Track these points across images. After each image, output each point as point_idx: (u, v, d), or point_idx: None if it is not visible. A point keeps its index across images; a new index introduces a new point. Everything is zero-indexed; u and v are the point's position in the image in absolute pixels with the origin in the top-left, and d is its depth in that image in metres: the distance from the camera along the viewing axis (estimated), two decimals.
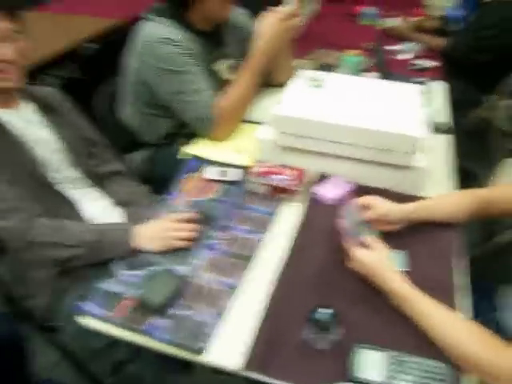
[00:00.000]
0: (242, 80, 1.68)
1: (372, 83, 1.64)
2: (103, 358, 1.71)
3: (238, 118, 1.72)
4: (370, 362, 0.95)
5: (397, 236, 1.24)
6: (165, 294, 1.08)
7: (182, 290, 1.11)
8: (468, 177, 2.74)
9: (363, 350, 0.97)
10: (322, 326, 0.98)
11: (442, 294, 1.05)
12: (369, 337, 1.00)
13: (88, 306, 1.08)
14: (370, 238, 1.13)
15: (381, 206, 1.23)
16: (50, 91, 1.49)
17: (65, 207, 1.36)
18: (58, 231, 1.22)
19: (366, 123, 1.36)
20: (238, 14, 1.85)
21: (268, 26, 1.68)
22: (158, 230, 1.25)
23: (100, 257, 1.23)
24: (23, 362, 1.39)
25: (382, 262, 1.09)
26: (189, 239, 1.25)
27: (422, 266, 1.17)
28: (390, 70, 2.09)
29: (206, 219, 1.32)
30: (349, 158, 1.42)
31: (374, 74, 2.09)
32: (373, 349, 0.97)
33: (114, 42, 2.41)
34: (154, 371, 1.40)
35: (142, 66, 1.61)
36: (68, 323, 1.10)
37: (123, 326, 1.04)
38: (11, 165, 1.26)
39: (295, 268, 1.18)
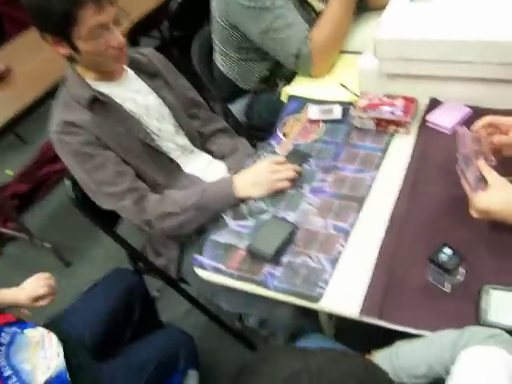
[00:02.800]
0: (333, 7, 1.53)
1: None
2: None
3: (335, 49, 1.59)
4: (503, 305, 0.86)
5: None
6: (277, 241, 1.06)
7: (293, 237, 1.09)
8: None
9: (495, 290, 0.88)
10: (446, 268, 0.89)
11: None
12: (495, 278, 0.90)
13: (204, 258, 1.10)
14: (489, 173, 0.94)
15: (507, 125, 1.03)
16: (148, 53, 1.46)
17: (174, 172, 1.39)
18: (164, 202, 1.25)
19: (486, 34, 1.17)
20: None
21: None
22: (258, 175, 1.23)
23: (209, 214, 1.24)
24: (151, 311, 1.49)
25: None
26: (290, 178, 1.21)
27: None
28: None
29: (302, 157, 1.27)
30: (465, 79, 1.26)
31: None
32: (506, 290, 0.87)
33: None
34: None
35: (228, 9, 1.54)
36: (194, 276, 1.13)
37: (238, 277, 1.05)
38: (125, 138, 1.29)
39: (410, 206, 1.10)
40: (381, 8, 1.45)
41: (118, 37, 1.21)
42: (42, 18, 1.16)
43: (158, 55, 1.49)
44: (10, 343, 1.08)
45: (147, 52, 1.47)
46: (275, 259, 1.04)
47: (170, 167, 1.39)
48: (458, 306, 0.89)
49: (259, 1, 1.47)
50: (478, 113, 1.24)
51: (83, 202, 1.35)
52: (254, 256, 1.06)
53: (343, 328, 1.36)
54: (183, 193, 1.27)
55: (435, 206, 1.08)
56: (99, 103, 1.27)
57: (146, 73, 1.41)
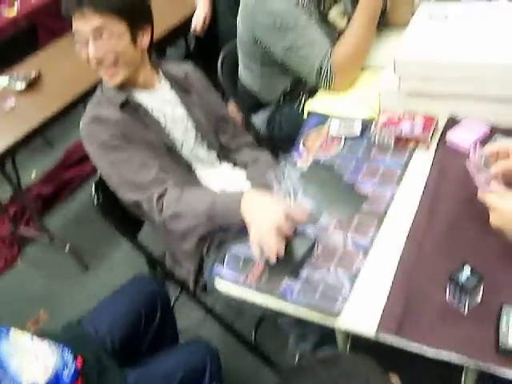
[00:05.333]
0: (355, 24, 1.56)
1: (506, 8, 1.42)
2: (247, 316, 1.81)
3: (357, 65, 1.61)
4: None
5: None
6: (298, 255, 1.08)
7: (313, 251, 1.10)
8: None
9: None
10: (466, 289, 0.89)
11: None
12: None
13: (224, 270, 1.12)
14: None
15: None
16: (184, 68, 1.53)
17: (192, 183, 1.41)
18: (179, 202, 1.25)
19: (503, 57, 1.19)
20: None
21: None
22: (268, 223, 1.08)
23: (216, 226, 1.22)
24: (170, 319, 1.51)
25: None
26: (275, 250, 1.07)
27: None
28: None
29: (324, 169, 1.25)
30: (483, 97, 1.27)
31: None
32: None
33: None
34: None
35: (254, 25, 1.57)
36: (212, 286, 1.15)
37: (258, 289, 1.06)
38: (151, 144, 1.34)
39: (429, 223, 1.10)
40: (401, 25, 1.48)
41: (92, 50, 1.21)
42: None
43: (195, 71, 1.55)
44: None
45: (186, 67, 1.53)
46: (294, 273, 1.06)
47: (189, 177, 1.43)
48: (477, 328, 0.89)
49: (283, 20, 1.50)
50: (495, 131, 1.27)
51: (106, 206, 1.39)
52: (274, 269, 1.08)
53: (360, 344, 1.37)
54: (198, 196, 1.26)
55: (453, 223, 1.09)
56: (130, 106, 1.32)
57: (181, 86, 1.46)
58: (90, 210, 1.41)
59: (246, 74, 1.80)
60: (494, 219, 0.95)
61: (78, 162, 3.06)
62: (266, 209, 1.12)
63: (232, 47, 1.83)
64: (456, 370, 1.03)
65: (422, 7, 1.48)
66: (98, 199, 1.38)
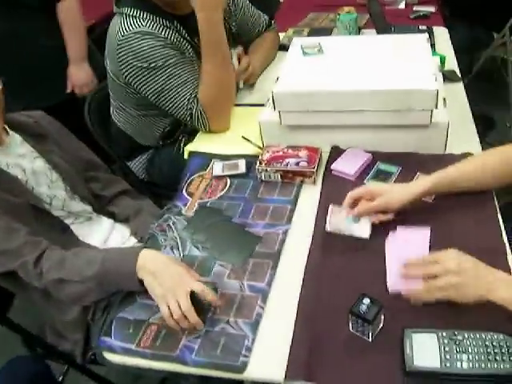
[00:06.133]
0: (205, 62, 1.49)
1: (373, 40, 1.53)
2: (146, 379, 1.65)
3: (226, 102, 1.56)
4: (426, 347, 0.85)
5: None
6: (205, 301, 0.98)
7: (218, 295, 1.01)
8: (485, 122, 2.62)
9: (415, 334, 0.86)
10: (367, 319, 0.87)
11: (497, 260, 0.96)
12: (413, 320, 0.90)
13: (111, 340, 0.99)
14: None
15: (379, 194, 1.09)
16: (35, 116, 1.36)
17: (69, 243, 1.25)
18: (62, 267, 1.10)
19: (377, 84, 1.24)
20: None
21: None
22: (169, 283, 1.01)
23: (107, 292, 1.10)
24: None
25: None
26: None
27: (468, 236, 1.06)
28: (388, 22, 1.96)
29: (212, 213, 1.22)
30: (362, 126, 1.31)
31: (374, 29, 1.96)
32: (425, 331, 0.86)
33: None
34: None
35: (121, 67, 1.47)
36: (102, 356, 1.01)
37: (152, 356, 0.94)
38: (13, 207, 1.16)
39: (323, 257, 1.08)
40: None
41: None
42: None
43: (48, 118, 1.39)
44: None
45: (35, 114, 1.36)
46: (205, 320, 0.97)
47: (65, 237, 1.27)
48: (384, 355, 0.87)
49: (151, 60, 1.43)
50: (377, 157, 1.31)
51: None
52: (170, 329, 0.97)
53: None
54: (84, 258, 1.12)
55: (346, 256, 1.08)
56: None
57: (33, 136, 1.30)
58: None
59: (120, 117, 1.69)
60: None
61: None
62: (169, 266, 1.03)
63: (100, 90, 1.73)
64: None
65: (294, 42, 1.50)
66: None
